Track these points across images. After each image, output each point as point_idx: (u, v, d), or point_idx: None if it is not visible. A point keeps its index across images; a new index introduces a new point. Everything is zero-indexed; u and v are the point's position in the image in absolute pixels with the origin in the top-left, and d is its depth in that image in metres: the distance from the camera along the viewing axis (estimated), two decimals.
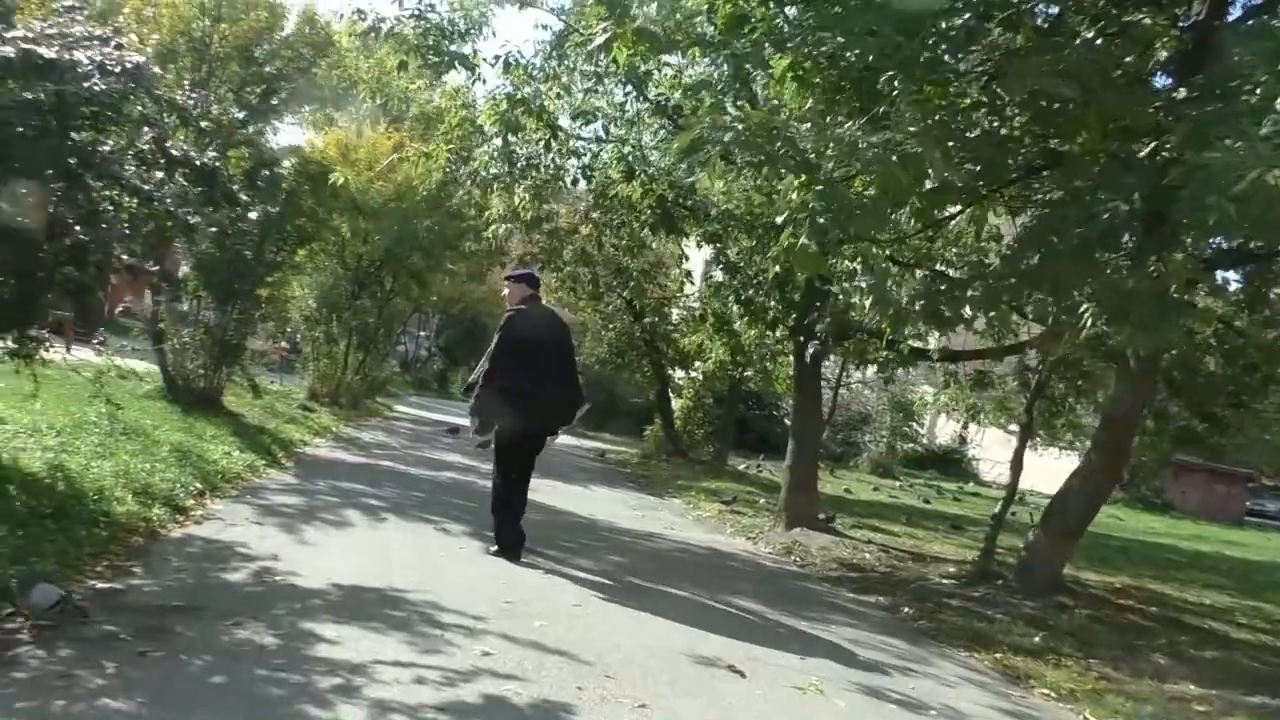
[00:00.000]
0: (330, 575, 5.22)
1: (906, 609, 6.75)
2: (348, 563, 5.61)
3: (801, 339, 9.37)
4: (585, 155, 9.08)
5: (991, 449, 32.97)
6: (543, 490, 10.85)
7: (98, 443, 7.28)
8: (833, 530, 10.09)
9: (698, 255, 17.37)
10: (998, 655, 5.73)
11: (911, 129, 4.07)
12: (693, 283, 18.35)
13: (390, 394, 25.48)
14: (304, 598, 4.74)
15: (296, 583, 5.00)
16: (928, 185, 4.83)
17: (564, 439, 22.21)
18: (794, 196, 4.83)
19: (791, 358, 11.08)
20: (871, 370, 23.23)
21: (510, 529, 6.43)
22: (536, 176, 9.04)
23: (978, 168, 4.93)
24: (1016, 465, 9.17)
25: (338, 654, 3.93)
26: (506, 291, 6.98)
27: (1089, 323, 4.79)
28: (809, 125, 4.70)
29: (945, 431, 32.29)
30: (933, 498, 19.60)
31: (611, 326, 17.91)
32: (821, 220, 4.46)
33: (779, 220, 4.93)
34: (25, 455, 6.34)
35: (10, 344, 6.29)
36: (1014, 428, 29.79)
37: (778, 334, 9.36)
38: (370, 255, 17.79)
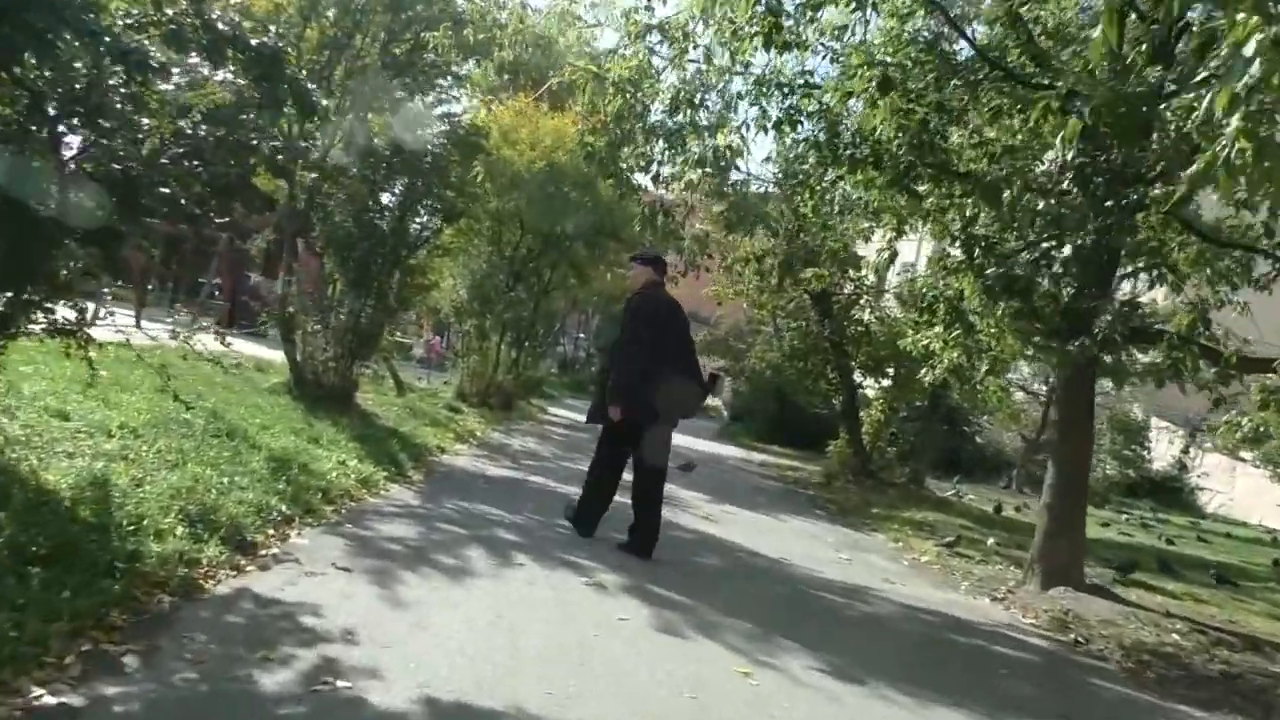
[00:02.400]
0: (422, 677, 3.34)
1: None
2: (452, 649, 3.72)
3: (1074, 339, 6.95)
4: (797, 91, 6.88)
5: (1215, 476, 28.81)
6: (723, 520, 8.84)
7: (173, 448, 5.75)
8: (1105, 593, 7.59)
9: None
10: None
11: None
12: (872, 271, 15.78)
13: (545, 395, 24.12)
14: None
15: (368, 696, 3.13)
16: None
17: (732, 451, 20.20)
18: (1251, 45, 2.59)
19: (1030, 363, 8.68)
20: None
21: (592, 518, 6.46)
22: (730, 119, 7.01)
23: None
24: None
25: None
26: (631, 274, 6.84)
27: None
28: None
29: (1161, 456, 28.37)
30: (1171, 535, 16.31)
31: (793, 326, 15.67)
32: None
33: (1219, 112, 2.71)
34: (62, 463, 4.83)
35: (53, 317, 4.86)
36: (1246, 455, 25.59)
37: (1035, 333, 6.95)
38: (527, 243, 16.27)
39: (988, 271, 6.67)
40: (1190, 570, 10.76)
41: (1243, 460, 28.21)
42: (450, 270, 15.48)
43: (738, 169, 7.41)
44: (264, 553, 4.67)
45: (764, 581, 6.38)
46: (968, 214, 6.92)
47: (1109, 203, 5.87)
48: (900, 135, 5.98)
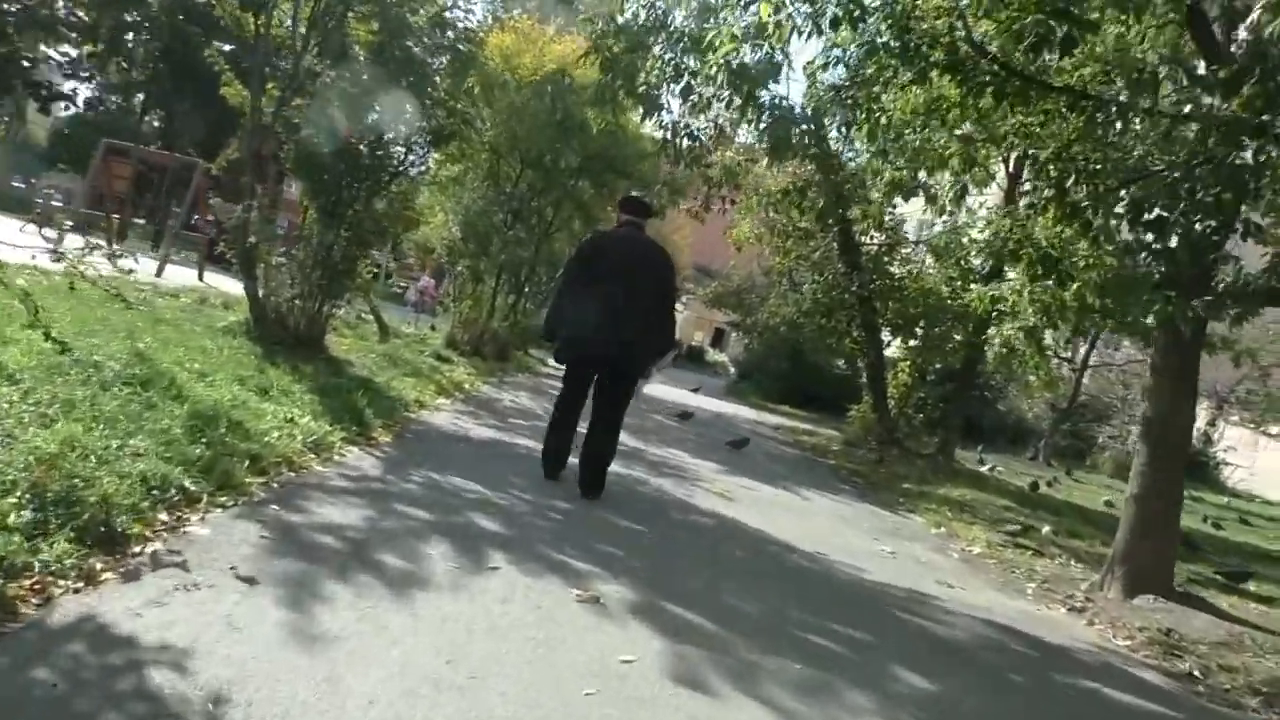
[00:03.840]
0: None
1: None
2: None
3: (1199, 292, 5.65)
4: None
5: (1240, 451, 27.85)
6: (741, 497, 7.58)
7: (58, 398, 4.47)
8: (1199, 602, 6.37)
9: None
10: None
11: None
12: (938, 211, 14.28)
13: (545, 346, 22.84)
14: None
15: None
16: None
17: (743, 411, 18.92)
18: None
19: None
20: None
21: (549, 455, 6.29)
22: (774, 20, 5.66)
23: None
24: None
25: None
26: None
27: None
28: None
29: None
30: (1212, 516, 15.02)
31: (817, 278, 14.26)
32: None
33: None
34: None
35: None
36: (1276, 429, 24.41)
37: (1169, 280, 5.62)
38: (527, 178, 14.86)
39: (1088, 205, 5.34)
40: (1263, 564, 9.55)
41: (1268, 435, 27.21)
42: (442, 205, 14.11)
43: (776, 81, 6.07)
44: (139, 550, 3.40)
45: (802, 588, 5.13)
46: (1065, 135, 5.57)
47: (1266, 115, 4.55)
48: (1002, 27, 4.60)
